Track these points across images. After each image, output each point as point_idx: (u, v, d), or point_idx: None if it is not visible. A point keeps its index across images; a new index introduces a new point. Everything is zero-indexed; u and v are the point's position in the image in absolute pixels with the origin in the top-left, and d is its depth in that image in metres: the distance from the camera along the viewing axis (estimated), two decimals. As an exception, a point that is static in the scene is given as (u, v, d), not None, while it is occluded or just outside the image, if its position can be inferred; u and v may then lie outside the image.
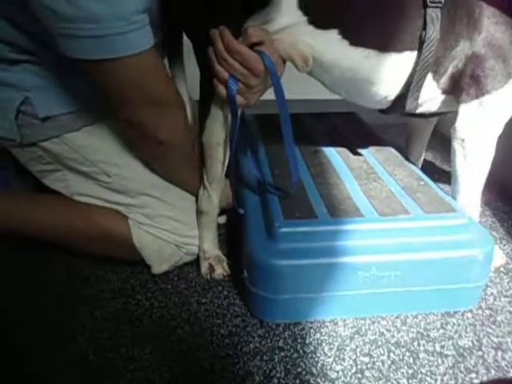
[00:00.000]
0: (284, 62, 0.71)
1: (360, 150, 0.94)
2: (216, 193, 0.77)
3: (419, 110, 0.79)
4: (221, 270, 0.79)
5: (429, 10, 0.67)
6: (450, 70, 0.72)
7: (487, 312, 0.72)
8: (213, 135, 0.72)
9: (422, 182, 0.80)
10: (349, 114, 1.18)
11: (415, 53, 0.70)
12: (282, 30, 0.68)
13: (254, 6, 0.65)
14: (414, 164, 0.90)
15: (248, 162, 0.84)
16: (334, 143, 0.98)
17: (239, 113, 0.68)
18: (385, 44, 0.70)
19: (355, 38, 0.69)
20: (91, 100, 0.67)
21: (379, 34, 0.69)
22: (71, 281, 0.78)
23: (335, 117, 1.17)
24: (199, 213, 0.79)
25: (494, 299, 0.75)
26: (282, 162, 0.82)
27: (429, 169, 1.09)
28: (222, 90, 0.65)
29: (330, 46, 0.70)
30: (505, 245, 0.90)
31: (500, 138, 0.75)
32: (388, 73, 0.72)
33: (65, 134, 0.70)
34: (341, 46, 0.70)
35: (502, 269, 0.82)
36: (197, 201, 0.79)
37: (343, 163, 0.88)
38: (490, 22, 0.67)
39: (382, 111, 0.83)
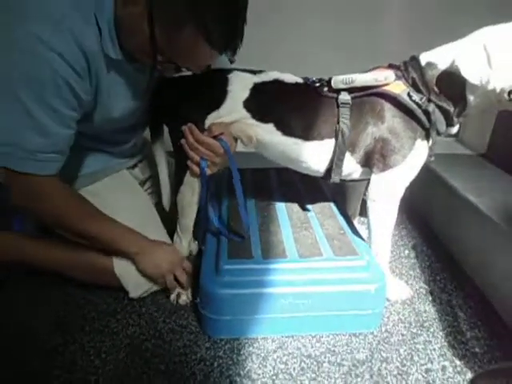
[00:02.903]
0: (236, 141, 0.98)
1: (304, 204, 1.18)
2: (186, 239, 1.02)
3: (347, 178, 1.04)
4: (185, 297, 1.01)
5: (341, 110, 0.93)
6: (364, 149, 0.96)
7: (385, 334, 0.93)
8: (184, 198, 0.98)
9: (342, 231, 1.03)
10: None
11: (333, 140, 0.95)
12: (234, 121, 0.95)
13: (210, 107, 0.94)
14: (345, 216, 1.14)
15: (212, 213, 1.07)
16: (286, 197, 1.22)
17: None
18: (309, 135, 0.95)
19: (286, 130, 0.96)
20: (86, 171, 0.97)
21: (304, 127, 0.95)
22: (68, 303, 1.00)
23: (294, 173, 1.41)
24: None
25: (393, 325, 0.96)
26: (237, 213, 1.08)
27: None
28: (195, 168, 0.94)
29: (269, 134, 0.96)
30: (417, 282, 1.11)
31: (429, 197, 0.95)
32: (313, 155, 0.98)
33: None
34: (276, 135, 0.96)
35: (407, 301, 1.03)
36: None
37: (286, 214, 1.11)
38: (390, 115, 0.92)
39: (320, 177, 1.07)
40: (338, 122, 0.93)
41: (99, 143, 0.99)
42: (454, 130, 0.94)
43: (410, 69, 0.90)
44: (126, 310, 0.99)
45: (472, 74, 0.83)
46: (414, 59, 0.91)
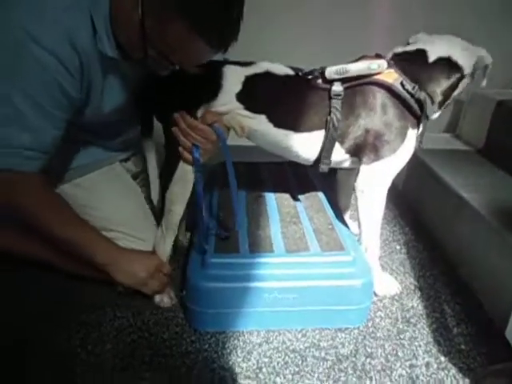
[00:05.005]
0: (228, 130, 0.97)
1: (295, 198, 1.17)
2: (170, 238, 0.98)
3: (336, 167, 1.04)
4: (167, 299, 0.98)
5: (332, 101, 0.92)
6: (354, 140, 0.96)
7: (371, 329, 0.93)
8: (175, 192, 0.95)
9: (330, 226, 1.02)
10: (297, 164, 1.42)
11: (323, 131, 0.95)
12: (228, 111, 0.94)
13: (205, 98, 0.93)
14: (335, 210, 1.13)
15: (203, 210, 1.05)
16: (277, 190, 1.21)
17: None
18: (299, 126, 0.95)
19: (278, 122, 0.95)
20: (78, 163, 0.95)
21: (295, 119, 0.95)
22: (56, 295, 1.00)
23: (287, 166, 1.40)
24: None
25: (380, 320, 0.96)
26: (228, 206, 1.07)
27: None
28: (187, 155, 0.92)
29: (261, 125, 0.96)
30: (406, 278, 1.11)
31: (422, 193, 0.95)
32: (303, 145, 0.98)
33: (59, 186, 0.95)
34: (268, 126, 0.96)
35: (395, 297, 1.03)
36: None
37: (276, 208, 1.11)
38: (383, 105, 0.92)
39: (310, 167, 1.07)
40: (330, 114, 0.92)
41: (90, 136, 0.99)
42: (436, 115, 0.97)
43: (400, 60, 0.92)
44: (114, 302, 0.99)
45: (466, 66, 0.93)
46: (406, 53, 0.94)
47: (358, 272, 0.90)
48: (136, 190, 1.11)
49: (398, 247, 1.25)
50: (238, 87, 0.92)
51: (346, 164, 1.02)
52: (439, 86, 0.93)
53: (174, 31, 0.71)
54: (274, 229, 1.00)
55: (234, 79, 0.93)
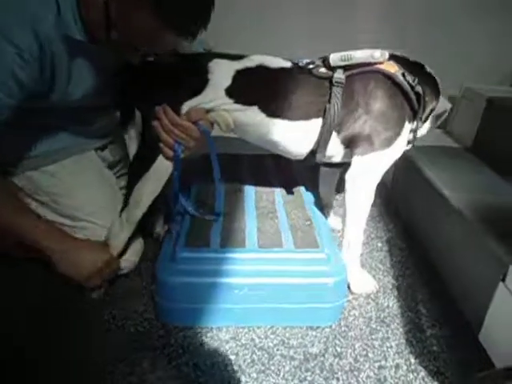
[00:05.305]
0: (212, 125, 0.94)
1: (274, 192, 1.15)
2: (128, 233, 0.94)
3: (327, 161, 1.01)
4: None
5: (334, 89, 0.89)
6: (351, 129, 0.93)
7: (343, 328, 0.91)
8: (147, 186, 0.92)
9: (308, 222, 1.00)
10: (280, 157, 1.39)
11: (320, 120, 0.92)
12: (214, 107, 0.91)
13: (188, 95, 0.89)
14: (316, 207, 1.11)
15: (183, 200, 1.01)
16: (258, 184, 1.19)
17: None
18: (296, 114, 0.92)
19: (272, 111, 0.92)
20: (46, 149, 0.92)
21: (291, 107, 0.91)
22: (25, 283, 0.98)
23: (270, 158, 1.37)
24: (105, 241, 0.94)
25: (353, 319, 0.94)
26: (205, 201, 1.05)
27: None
28: (167, 151, 0.88)
29: (253, 116, 0.92)
30: (385, 276, 1.09)
31: (408, 191, 0.94)
32: (298, 136, 0.95)
33: (26, 172, 0.92)
34: (260, 116, 0.92)
35: (371, 296, 1.01)
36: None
37: (254, 202, 1.08)
38: (382, 95, 0.90)
39: (299, 161, 1.04)
40: (329, 101, 0.89)
41: (61, 121, 0.95)
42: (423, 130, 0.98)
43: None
44: (81, 294, 0.97)
45: None
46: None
47: (331, 270, 0.88)
48: (110, 179, 1.08)
49: (379, 244, 1.23)
50: (227, 82, 0.89)
51: (338, 158, 1.00)
52: (431, 99, 0.94)
53: (138, 16, 0.69)
54: (250, 223, 0.98)
55: (222, 74, 0.90)
